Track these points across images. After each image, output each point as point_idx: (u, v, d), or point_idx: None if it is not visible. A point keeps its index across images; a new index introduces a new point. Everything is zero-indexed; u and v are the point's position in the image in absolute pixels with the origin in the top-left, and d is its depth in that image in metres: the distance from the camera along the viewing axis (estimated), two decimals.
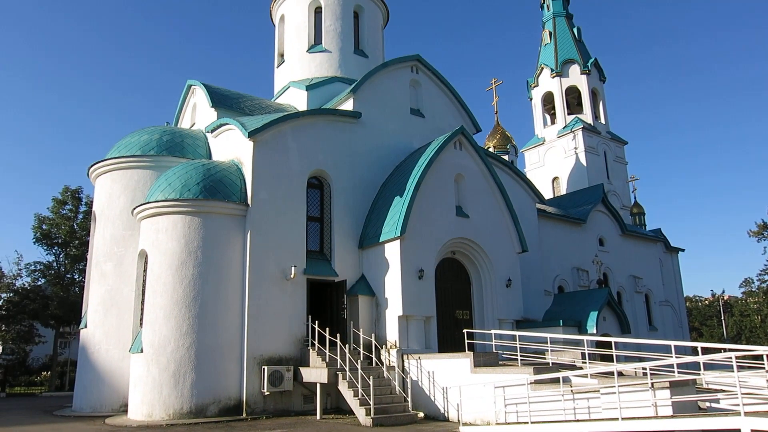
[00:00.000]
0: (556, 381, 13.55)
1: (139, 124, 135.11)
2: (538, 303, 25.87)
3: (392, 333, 19.45)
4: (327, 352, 17.84)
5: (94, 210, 23.17)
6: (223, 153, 21.75)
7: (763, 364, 11.81)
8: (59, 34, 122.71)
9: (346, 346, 17.66)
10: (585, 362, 16.16)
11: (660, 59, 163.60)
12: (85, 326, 21.54)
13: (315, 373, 17.67)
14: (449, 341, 20.38)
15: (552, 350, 17.56)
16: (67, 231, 38.73)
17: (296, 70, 28.26)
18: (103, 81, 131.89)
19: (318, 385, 17.60)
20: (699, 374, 12.96)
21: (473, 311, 21.99)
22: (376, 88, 23.78)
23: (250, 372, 18.02)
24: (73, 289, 39.47)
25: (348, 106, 23.17)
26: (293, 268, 19.28)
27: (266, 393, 17.86)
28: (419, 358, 18.18)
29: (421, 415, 17.03)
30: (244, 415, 17.64)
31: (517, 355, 16.87)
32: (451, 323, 21.08)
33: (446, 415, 16.81)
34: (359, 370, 16.41)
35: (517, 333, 17.93)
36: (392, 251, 19.87)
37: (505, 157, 36.71)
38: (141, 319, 19.64)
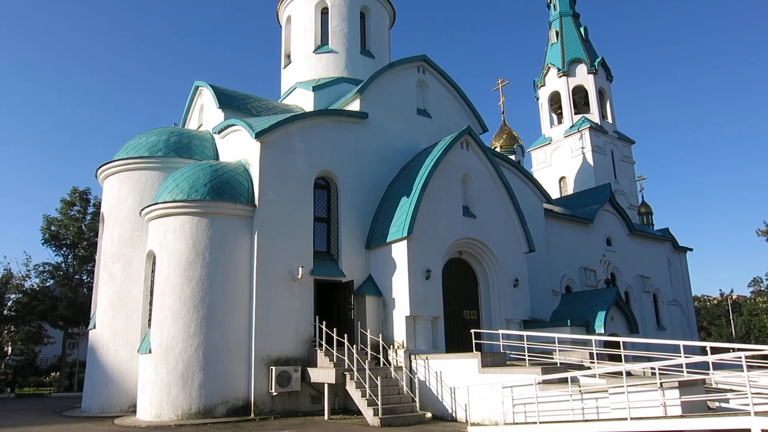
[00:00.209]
0: (564, 381, 13.51)
1: (147, 125, 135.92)
2: (545, 303, 25.81)
3: (399, 333, 19.46)
4: (334, 352, 17.86)
5: (103, 211, 23.29)
6: (230, 154, 21.81)
7: None
8: (66, 36, 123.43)
9: (354, 346, 17.68)
10: (593, 362, 16.09)
11: (667, 58, 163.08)
12: (94, 327, 21.64)
13: (323, 373, 17.70)
14: (457, 341, 20.37)
15: (560, 350, 17.51)
16: (76, 232, 38.90)
17: (303, 71, 28.32)
18: (110, 82, 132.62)
19: (326, 386, 17.62)
20: (708, 374, 12.89)
21: (480, 311, 21.98)
22: (382, 88, 23.80)
23: (258, 372, 18.07)
24: (81, 290, 39.64)
25: (355, 106, 23.19)
26: (300, 268, 19.32)
27: (274, 393, 17.90)
28: (427, 358, 18.17)
29: (428, 415, 17.02)
30: (252, 415, 17.69)
31: (524, 355, 16.83)
32: (458, 323, 21.07)
33: (454, 415, 16.80)
34: (367, 371, 16.41)
35: (525, 333, 17.89)
36: (399, 251, 19.88)
37: (512, 157, 36.64)
38: (149, 320, 19.73)
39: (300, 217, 20.14)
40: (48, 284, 40.41)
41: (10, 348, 45.79)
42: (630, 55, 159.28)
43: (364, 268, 21.28)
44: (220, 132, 22.73)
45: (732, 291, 72.51)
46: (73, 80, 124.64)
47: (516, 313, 21.92)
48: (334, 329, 18.27)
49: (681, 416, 10.56)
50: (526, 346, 16.91)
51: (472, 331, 18.83)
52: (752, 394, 9.29)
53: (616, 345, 18.09)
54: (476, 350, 17.76)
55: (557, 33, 44.21)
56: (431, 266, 19.95)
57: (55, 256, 40.18)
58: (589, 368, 15.72)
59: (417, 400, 17.02)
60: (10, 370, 43.17)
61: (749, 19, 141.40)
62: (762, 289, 62.23)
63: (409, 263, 19.52)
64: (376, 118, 23.16)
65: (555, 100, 43.59)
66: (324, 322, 18.88)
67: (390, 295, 20.06)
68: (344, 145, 22.03)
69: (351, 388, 16.85)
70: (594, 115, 41.45)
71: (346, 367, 17.29)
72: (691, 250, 40.56)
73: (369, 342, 18.72)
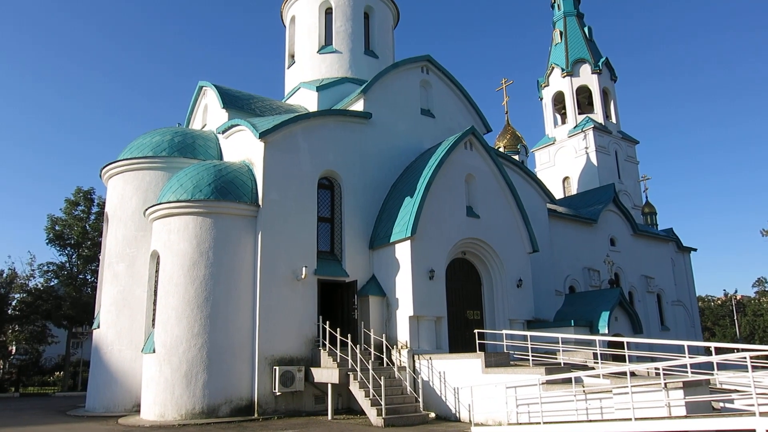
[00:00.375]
0: (568, 381, 13.49)
1: (151, 125, 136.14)
2: (549, 303, 25.78)
3: (403, 333, 19.46)
4: (338, 352, 17.87)
5: (107, 211, 23.34)
6: (234, 154, 21.84)
7: None
8: (70, 36, 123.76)
9: (357, 346, 17.68)
10: (597, 362, 16.06)
11: (671, 58, 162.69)
12: (98, 327, 21.69)
13: (326, 373, 17.70)
14: (460, 341, 20.36)
15: (563, 350, 17.47)
16: (80, 232, 38.95)
17: (307, 71, 28.33)
18: (115, 82, 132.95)
19: (329, 386, 17.63)
20: (712, 374, 12.86)
21: (484, 311, 21.96)
22: (386, 88, 23.80)
23: (262, 372, 18.09)
24: (85, 289, 39.68)
25: (358, 106, 23.20)
26: (304, 268, 19.33)
27: (278, 393, 17.92)
28: (430, 358, 18.16)
29: (432, 415, 17.02)
30: (256, 415, 17.70)
31: (528, 356, 16.82)
32: (462, 323, 21.06)
33: (457, 415, 16.79)
34: (370, 371, 16.41)
35: (529, 333, 17.88)
36: (403, 252, 19.88)
37: (516, 157, 36.62)
38: (153, 320, 19.74)
39: (304, 217, 20.15)
40: (52, 284, 40.47)
41: (14, 347, 45.90)
42: (634, 55, 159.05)
43: (367, 268, 21.29)
44: (224, 132, 22.76)
45: (736, 291, 72.35)
46: (78, 80, 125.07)
47: (520, 313, 21.90)
48: (338, 329, 18.28)
49: (685, 417, 10.53)
50: (529, 346, 16.90)
51: (476, 331, 18.81)
52: (757, 394, 9.25)
53: (620, 345, 18.07)
54: (480, 350, 17.76)
55: (561, 33, 44.13)
56: (435, 266, 19.94)
57: (60, 255, 40.27)
58: (593, 368, 15.70)
59: (420, 400, 17.03)
60: (15, 369, 43.25)
61: (753, 19, 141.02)
62: (766, 289, 62.03)
63: (412, 263, 19.51)
64: (380, 118, 23.17)
65: (559, 100, 43.51)
66: (327, 322, 18.89)
67: (393, 295, 20.06)
68: (348, 145, 22.03)
69: (354, 388, 16.85)
70: (598, 115, 41.37)
71: (350, 367, 17.29)
72: (695, 250, 40.44)
73: (372, 342, 18.73)
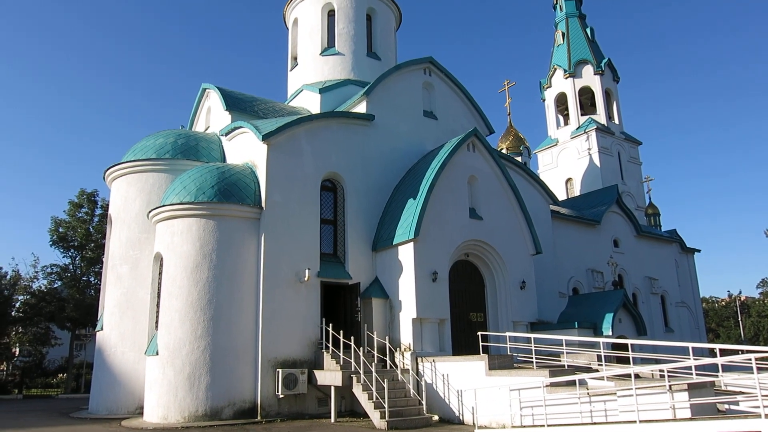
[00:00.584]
0: (572, 383, 13.44)
1: (155, 127, 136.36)
2: (552, 305, 25.71)
3: (406, 336, 19.43)
4: (341, 354, 17.84)
5: (110, 213, 23.37)
6: (237, 156, 21.85)
7: None
8: (73, 37, 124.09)
9: (360, 348, 17.66)
10: (601, 364, 16.01)
11: (674, 58, 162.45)
12: (101, 329, 21.71)
13: (329, 375, 17.68)
14: (463, 344, 20.31)
15: (567, 352, 17.42)
16: (83, 234, 39.04)
17: (309, 73, 28.34)
18: (118, 84, 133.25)
19: (332, 388, 17.60)
20: (717, 376, 12.81)
21: (487, 313, 21.92)
22: (389, 90, 23.81)
23: (265, 375, 18.08)
24: (89, 291, 39.77)
25: (361, 108, 23.20)
26: (307, 270, 19.33)
27: (280, 396, 17.90)
28: (433, 360, 18.12)
29: (435, 418, 16.97)
30: (259, 417, 17.69)
31: (532, 358, 16.77)
32: (465, 326, 21.03)
33: (461, 418, 16.75)
34: (373, 373, 16.39)
35: (532, 335, 17.80)
36: (406, 254, 19.86)
37: (518, 159, 36.65)
38: (156, 322, 19.75)
39: (306, 219, 20.15)
40: (56, 286, 40.57)
41: (17, 349, 46.00)
42: (637, 56, 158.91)
43: (370, 270, 21.27)
44: (227, 134, 22.78)
45: (740, 292, 72.05)
46: (81, 82, 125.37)
47: (523, 315, 21.86)
48: (341, 331, 18.26)
49: (690, 419, 10.48)
50: (533, 348, 16.85)
51: (479, 333, 18.77)
52: (762, 396, 9.20)
53: (624, 347, 18.03)
54: (483, 353, 17.71)
55: (563, 34, 44.13)
56: (438, 268, 19.92)
57: (63, 257, 40.38)
58: (597, 371, 15.66)
59: (424, 402, 16.97)
60: (18, 371, 43.37)
61: (757, 19, 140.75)
62: None
63: (415, 265, 19.49)
64: (383, 120, 23.16)
65: (561, 101, 43.50)
66: (330, 325, 18.85)
67: (396, 298, 20.04)
68: (351, 147, 22.04)
69: (358, 390, 16.82)
70: (600, 116, 41.34)
71: (353, 369, 17.25)
72: (699, 251, 40.35)
73: (375, 344, 18.70)
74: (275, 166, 19.93)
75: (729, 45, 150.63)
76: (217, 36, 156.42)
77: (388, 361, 18.75)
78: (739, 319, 64.01)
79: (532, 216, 23.47)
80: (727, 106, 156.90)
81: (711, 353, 30.06)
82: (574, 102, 41.97)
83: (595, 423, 12.25)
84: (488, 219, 21.85)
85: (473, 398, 15.98)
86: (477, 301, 21.91)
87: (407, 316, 19.49)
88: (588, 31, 44.00)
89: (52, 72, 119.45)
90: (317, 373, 18.32)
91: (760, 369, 9.73)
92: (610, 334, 22.19)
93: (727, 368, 14.65)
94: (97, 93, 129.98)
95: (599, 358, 16.33)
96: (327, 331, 18.77)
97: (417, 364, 18.59)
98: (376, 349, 18.57)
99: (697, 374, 12.92)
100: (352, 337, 17.92)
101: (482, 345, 18.28)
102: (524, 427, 13.80)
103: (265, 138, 19.67)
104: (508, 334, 18.78)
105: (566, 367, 16.51)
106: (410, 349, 18.97)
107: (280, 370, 17.96)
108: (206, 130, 25.99)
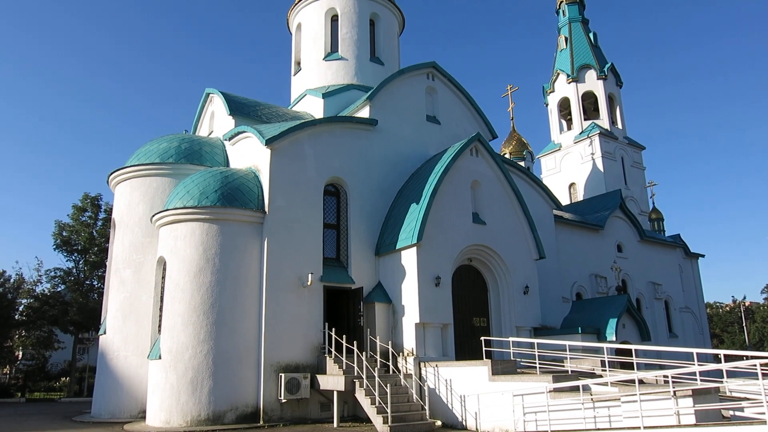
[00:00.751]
0: (575, 389, 13.42)
1: (159, 131, 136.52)
2: (556, 310, 25.66)
3: (409, 340, 19.40)
4: (344, 359, 17.80)
5: (114, 217, 23.41)
6: (240, 161, 21.89)
7: None
8: (78, 40, 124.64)
9: (363, 353, 17.62)
10: (605, 370, 15.97)
11: (677, 63, 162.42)
12: (104, 332, 21.72)
13: (332, 380, 17.65)
14: (466, 349, 20.28)
15: (571, 358, 17.37)
16: (87, 238, 39.12)
17: (313, 78, 28.40)
18: (122, 88, 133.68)
19: (335, 393, 17.56)
20: (722, 382, 12.77)
21: (490, 319, 21.88)
22: (392, 95, 23.82)
23: (267, 379, 18.05)
24: (92, 295, 39.82)
25: (364, 113, 23.23)
26: (310, 275, 19.32)
27: (283, 400, 17.87)
28: (436, 365, 18.07)
29: (438, 423, 16.91)
30: (261, 422, 17.66)
31: (535, 363, 16.71)
32: (468, 331, 20.98)
33: (464, 423, 16.68)
34: (376, 378, 16.34)
35: (536, 341, 17.74)
36: (409, 258, 19.84)
37: (522, 164, 36.64)
38: (159, 326, 19.77)
39: (310, 224, 20.16)
40: (59, 289, 40.64)
41: (20, 352, 46.04)
42: (640, 61, 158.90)
43: (373, 274, 21.26)
44: (230, 139, 22.83)
45: (745, 297, 71.93)
46: (85, 86, 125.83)
47: (526, 320, 21.80)
48: (344, 336, 18.22)
49: (695, 425, 10.45)
50: (536, 353, 16.78)
51: (482, 338, 18.72)
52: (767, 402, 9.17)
53: (627, 353, 17.94)
54: (486, 358, 17.63)
55: (566, 39, 44.18)
56: (441, 273, 19.89)
57: (67, 261, 40.44)
58: (600, 376, 15.61)
59: (427, 407, 16.91)
60: (21, 374, 43.42)
61: (761, 24, 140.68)
62: None
63: (418, 270, 19.47)
64: (386, 125, 23.18)
65: (564, 106, 43.51)
66: (333, 329, 18.84)
67: (399, 302, 20.01)
68: (354, 152, 22.05)
69: (360, 395, 16.78)
70: (604, 121, 41.34)
71: (356, 374, 17.22)
72: (702, 256, 40.26)
73: (378, 349, 18.65)
74: (278, 171, 19.95)
75: (733, 49, 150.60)
76: (222, 41, 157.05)
77: (391, 366, 18.72)
78: (744, 324, 63.83)
79: (536, 221, 23.43)
80: (732, 111, 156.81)
81: (715, 359, 30.03)
82: (578, 107, 41.99)
83: (598, 429, 12.23)
84: (491, 224, 21.82)
85: (476, 403, 15.98)
86: (480, 306, 21.87)
87: (410, 320, 19.46)
88: (591, 36, 44.04)
89: (56, 75, 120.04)
90: (320, 377, 18.30)
91: (765, 375, 9.69)
92: (614, 339, 22.12)
93: (731, 374, 14.62)
94: (102, 97, 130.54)
95: (603, 363, 16.27)
96: (330, 336, 18.75)
97: (420, 369, 18.53)
98: (378, 353, 18.52)
99: (701, 380, 12.86)
100: (354, 342, 17.89)
101: (485, 350, 18.19)
102: None
103: (269, 143, 19.70)
104: (511, 339, 18.73)
105: (570, 373, 16.43)
106: (413, 354, 18.93)
107: (282, 375, 17.93)
108: (210, 134, 26.04)
